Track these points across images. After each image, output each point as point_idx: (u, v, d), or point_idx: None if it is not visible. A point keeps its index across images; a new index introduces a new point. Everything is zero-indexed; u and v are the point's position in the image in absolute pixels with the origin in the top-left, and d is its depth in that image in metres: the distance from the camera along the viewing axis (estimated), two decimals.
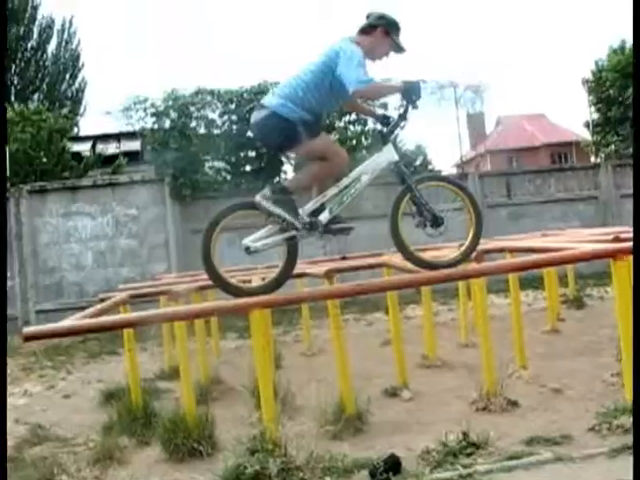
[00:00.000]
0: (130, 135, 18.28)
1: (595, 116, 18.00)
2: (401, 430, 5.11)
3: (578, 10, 72.84)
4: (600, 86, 17.13)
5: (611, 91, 16.69)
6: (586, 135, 20.05)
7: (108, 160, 19.43)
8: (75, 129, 27.45)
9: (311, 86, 4.62)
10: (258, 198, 4.57)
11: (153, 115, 13.79)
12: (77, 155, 18.55)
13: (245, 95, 13.42)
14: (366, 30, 4.72)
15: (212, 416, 5.26)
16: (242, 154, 13.45)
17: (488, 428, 4.71)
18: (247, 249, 4.61)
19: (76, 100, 31.13)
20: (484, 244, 8.55)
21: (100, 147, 21.99)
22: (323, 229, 4.63)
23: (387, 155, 4.67)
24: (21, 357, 9.98)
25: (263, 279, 5.23)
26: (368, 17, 4.77)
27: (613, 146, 17.00)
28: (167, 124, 13.23)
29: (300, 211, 4.64)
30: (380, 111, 5.59)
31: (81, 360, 9.77)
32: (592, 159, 18.77)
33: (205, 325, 8.12)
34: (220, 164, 13.77)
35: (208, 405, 6.22)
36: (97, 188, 13.48)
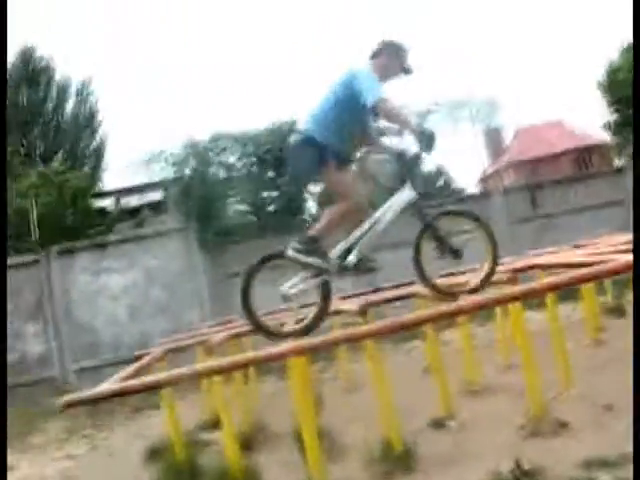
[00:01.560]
0: (152, 186, 18.49)
1: (614, 117, 17.86)
2: (451, 464, 4.99)
3: (585, 12, 72.54)
4: (616, 86, 17.01)
5: (628, 91, 16.52)
6: (606, 137, 19.92)
7: (132, 212, 19.67)
8: (98, 184, 27.92)
9: (338, 109, 4.85)
10: (289, 252, 4.86)
11: (173, 165, 13.94)
12: (102, 211, 18.83)
13: (261, 137, 13.51)
14: (375, 55, 5.02)
15: (258, 466, 5.20)
16: (264, 195, 13.51)
17: (540, 454, 4.60)
18: (284, 296, 4.86)
19: (97, 156, 31.76)
20: (515, 262, 8.46)
21: (123, 200, 22.31)
22: (352, 270, 4.87)
23: (406, 194, 4.85)
24: (62, 419, 9.96)
25: (298, 321, 5.30)
26: (378, 44, 5.07)
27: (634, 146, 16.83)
28: (187, 172, 13.31)
29: (330, 254, 4.88)
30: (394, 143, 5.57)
31: (123, 416, 9.73)
32: (616, 161, 18.59)
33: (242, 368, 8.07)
34: (243, 207, 13.83)
35: (253, 453, 6.21)
36: (124, 243, 13.57)
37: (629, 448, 4.41)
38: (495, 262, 4.93)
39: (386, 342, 10.99)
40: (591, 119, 63.76)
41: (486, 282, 4.95)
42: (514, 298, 4.41)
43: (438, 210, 5.04)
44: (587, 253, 6.84)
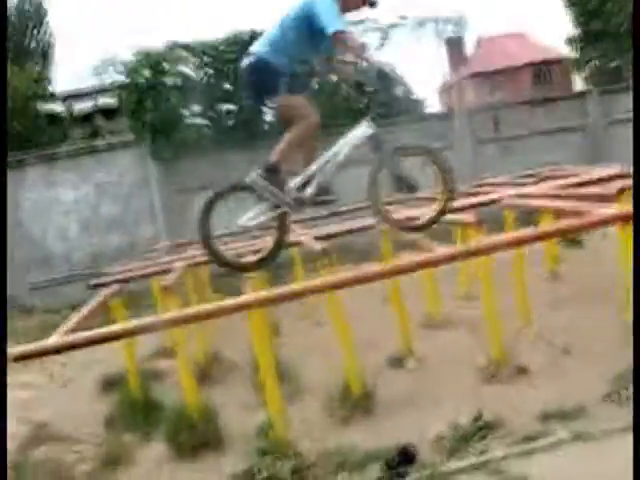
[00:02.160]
0: (105, 90, 17.70)
1: (577, 31, 17.54)
2: (411, 407, 5.00)
3: None
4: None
5: (592, 4, 16.26)
6: (568, 51, 19.65)
7: (85, 119, 18.88)
8: (47, 87, 26.71)
9: (294, 33, 4.77)
10: (253, 178, 4.78)
11: (125, 70, 13.20)
12: (53, 116, 18.03)
13: (220, 47, 12.91)
14: None
15: (215, 403, 5.18)
16: (222, 108, 13.03)
17: (499, 402, 4.65)
18: (243, 228, 4.85)
19: (45, 55, 30.36)
20: (475, 191, 8.35)
21: (76, 106, 21.40)
22: (310, 203, 4.90)
23: (362, 130, 4.88)
24: (12, 340, 9.79)
25: (256, 252, 5.41)
26: None
27: (596, 62, 16.69)
28: (141, 82, 12.66)
29: (288, 186, 4.86)
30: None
31: None
32: (575, 77, 18.41)
33: (200, 288, 7.95)
34: (200, 120, 13.36)
35: (210, 386, 6.20)
36: (77, 156, 13.07)
37: (587, 400, 4.48)
38: (451, 195, 4.96)
39: (346, 263, 10.96)
40: (554, 33, 62.65)
41: (438, 218, 5.00)
42: (485, 251, 4.31)
43: (394, 145, 4.91)
44: (548, 189, 6.76)
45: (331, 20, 4.56)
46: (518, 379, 5.13)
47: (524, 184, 7.93)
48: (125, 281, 6.71)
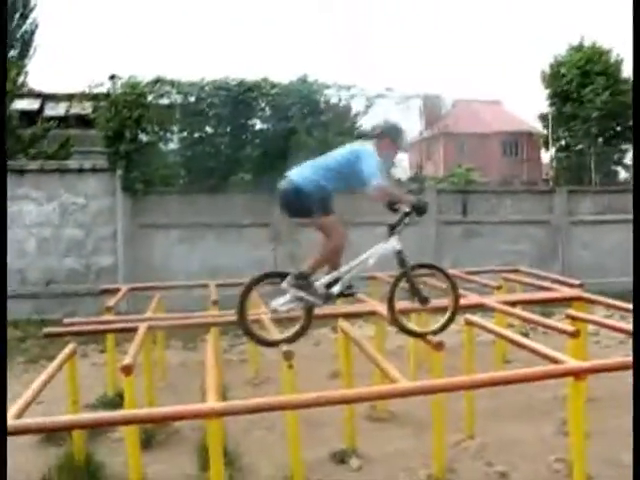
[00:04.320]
0: (82, 96, 17.48)
1: (550, 110, 18.17)
2: None
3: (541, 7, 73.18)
4: (557, 81, 17.36)
5: (568, 87, 16.94)
6: (539, 126, 20.35)
7: (58, 121, 18.61)
8: (23, 78, 26.36)
9: (333, 171, 5.84)
10: (284, 285, 5.74)
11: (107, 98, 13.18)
12: (25, 115, 17.72)
13: (206, 87, 12.99)
14: (379, 136, 5.98)
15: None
16: (199, 149, 13.08)
17: None
18: (274, 311, 5.82)
19: (25, 42, 30.12)
20: None
21: (49, 106, 21.10)
22: (335, 298, 6.04)
23: (391, 244, 5.86)
24: None
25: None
26: (383, 124, 6.14)
27: (564, 141, 17.32)
28: (123, 111, 12.65)
29: (320, 283, 5.84)
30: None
31: (19, 367, 9.40)
32: (543, 151, 19.02)
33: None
34: (175, 158, 13.40)
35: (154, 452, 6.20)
36: (44, 173, 12.94)
37: None
38: (456, 310, 6.04)
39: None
40: (527, 107, 64.53)
41: (445, 328, 6.02)
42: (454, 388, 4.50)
43: (415, 262, 5.94)
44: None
45: (372, 176, 5.59)
46: None
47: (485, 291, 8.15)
48: (79, 334, 6.72)
